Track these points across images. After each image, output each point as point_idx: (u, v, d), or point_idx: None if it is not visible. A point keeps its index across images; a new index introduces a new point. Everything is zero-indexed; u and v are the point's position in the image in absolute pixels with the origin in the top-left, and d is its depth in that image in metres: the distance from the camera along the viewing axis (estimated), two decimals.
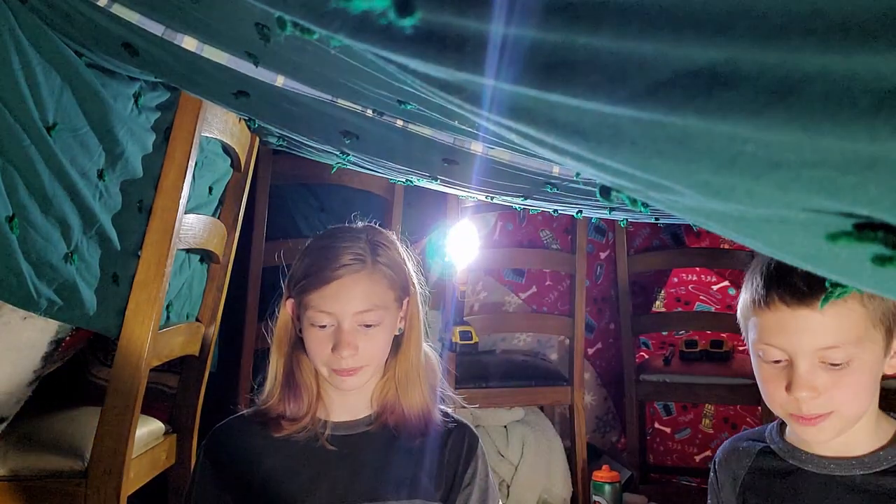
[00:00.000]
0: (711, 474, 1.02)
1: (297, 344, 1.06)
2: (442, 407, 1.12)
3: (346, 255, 1.00)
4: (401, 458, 1.05)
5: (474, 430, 1.13)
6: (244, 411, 1.09)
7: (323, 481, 1.02)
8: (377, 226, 1.10)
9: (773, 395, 0.86)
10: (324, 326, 0.99)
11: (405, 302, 1.07)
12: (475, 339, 2.50)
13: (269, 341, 1.08)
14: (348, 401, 1.06)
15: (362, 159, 1.56)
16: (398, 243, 1.09)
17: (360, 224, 1.09)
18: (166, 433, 1.61)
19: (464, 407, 1.16)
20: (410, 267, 1.08)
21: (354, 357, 0.99)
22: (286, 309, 1.06)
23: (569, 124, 0.41)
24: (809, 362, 0.81)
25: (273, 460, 1.03)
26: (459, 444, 1.09)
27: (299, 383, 1.04)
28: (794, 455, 0.92)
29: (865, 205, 0.33)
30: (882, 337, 0.82)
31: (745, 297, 0.88)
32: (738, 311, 0.91)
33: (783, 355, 0.84)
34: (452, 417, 1.12)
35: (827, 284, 0.66)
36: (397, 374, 1.07)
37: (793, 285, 0.80)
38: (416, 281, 1.08)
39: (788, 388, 0.83)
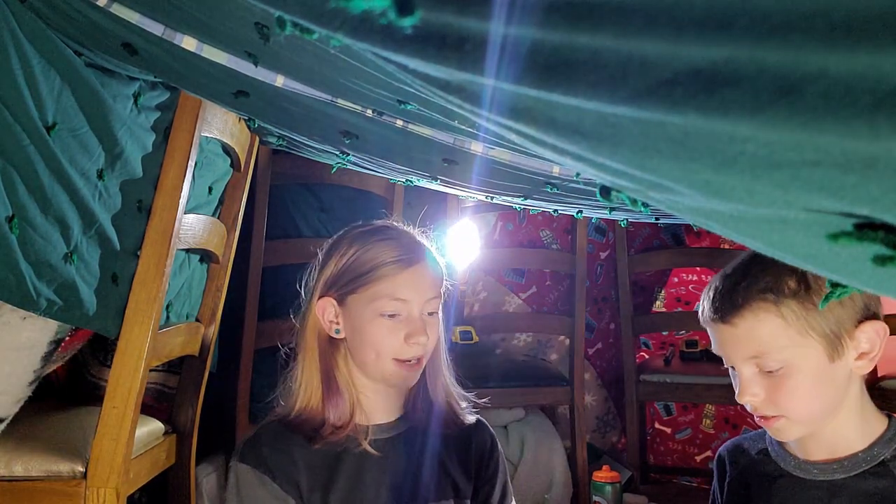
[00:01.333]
0: (714, 464, 1.07)
1: (331, 346, 1.03)
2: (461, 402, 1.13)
3: (407, 245, 1.02)
4: (436, 458, 1.05)
5: (490, 426, 1.15)
6: (269, 420, 1.05)
7: (368, 487, 1.00)
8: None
9: (737, 395, 0.92)
10: (393, 315, 0.99)
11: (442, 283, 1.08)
12: (475, 339, 2.50)
13: (296, 346, 1.05)
14: (384, 402, 1.05)
15: (362, 159, 1.56)
16: (427, 237, 1.10)
17: (383, 222, 1.09)
18: (166, 433, 1.60)
19: (467, 405, 1.16)
20: (441, 259, 1.09)
21: (425, 345, 1.01)
22: (315, 312, 1.02)
23: (569, 124, 0.41)
24: (748, 370, 0.88)
25: (315, 466, 0.99)
26: (482, 441, 1.11)
27: (340, 387, 1.02)
28: (784, 459, 0.95)
29: (866, 204, 0.33)
30: (821, 344, 0.84)
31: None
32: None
33: (730, 364, 0.91)
34: (470, 413, 1.13)
35: (828, 285, 0.67)
36: (427, 367, 1.06)
37: (713, 303, 0.89)
38: (445, 275, 1.09)
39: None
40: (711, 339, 0.93)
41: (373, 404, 1.04)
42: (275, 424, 1.03)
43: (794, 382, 0.85)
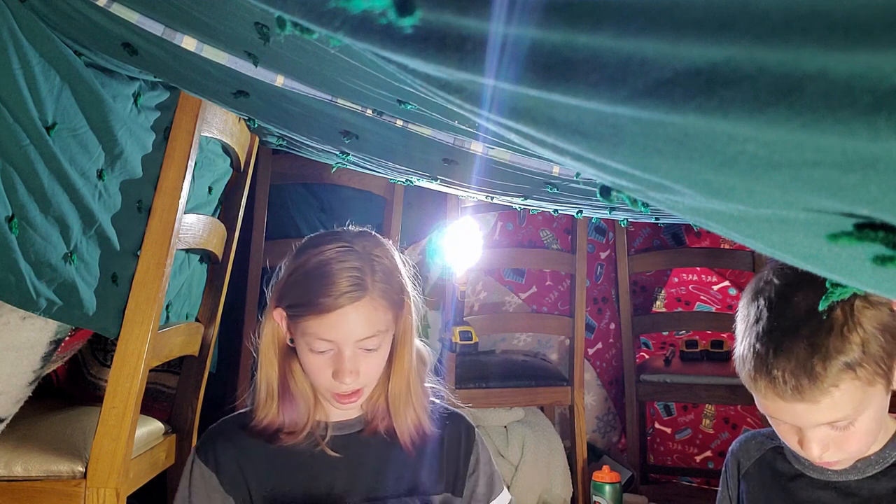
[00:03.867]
0: (726, 460, 1.07)
1: (289, 353, 1.03)
2: (434, 400, 1.11)
3: (344, 281, 0.95)
4: (398, 456, 1.05)
5: (468, 418, 1.13)
6: (239, 412, 1.08)
7: (321, 482, 1.01)
8: (370, 229, 1.07)
9: (789, 443, 0.89)
10: (323, 352, 0.97)
11: (401, 311, 1.03)
12: (475, 339, 2.50)
13: (254, 353, 1.05)
14: None
15: (362, 159, 1.56)
16: (392, 249, 1.05)
17: (351, 228, 1.05)
18: (166, 433, 1.60)
19: (462, 406, 1.16)
20: (405, 274, 1.05)
21: (356, 381, 0.98)
22: (273, 318, 1.02)
23: (569, 124, 0.41)
24: (818, 430, 0.84)
25: (270, 461, 1.02)
26: (457, 435, 1.09)
27: (295, 393, 1.02)
28: (799, 460, 0.96)
29: (866, 204, 0.33)
30: (883, 383, 0.83)
31: (740, 363, 0.87)
32: (738, 370, 0.89)
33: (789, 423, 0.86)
34: (444, 409, 1.11)
35: (828, 285, 0.66)
36: (390, 388, 1.05)
37: (784, 381, 0.80)
38: (410, 289, 1.05)
39: (800, 442, 0.86)
40: (764, 407, 0.85)
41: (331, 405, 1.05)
42: (240, 418, 1.06)
43: (864, 428, 0.84)
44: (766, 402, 0.84)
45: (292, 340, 1.02)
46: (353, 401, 1.00)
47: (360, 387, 0.99)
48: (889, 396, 0.86)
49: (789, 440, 0.88)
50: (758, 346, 0.82)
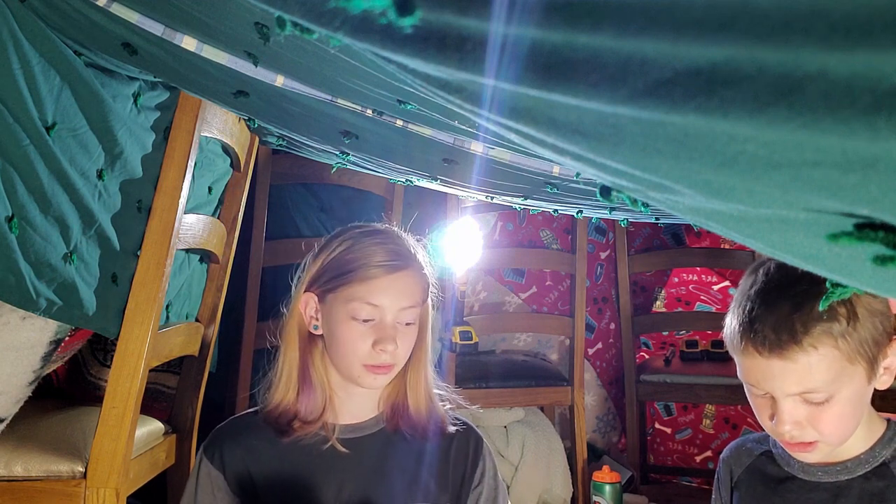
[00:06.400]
0: (718, 469, 1.07)
1: (311, 340, 1.05)
2: (448, 405, 1.12)
3: (395, 251, 1.02)
4: (407, 461, 1.04)
5: (478, 430, 1.13)
6: (248, 411, 1.08)
7: (330, 484, 1.01)
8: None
9: (763, 422, 0.90)
10: (366, 321, 0.99)
11: (426, 296, 1.08)
12: (475, 339, 2.50)
13: (279, 340, 1.07)
14: (356, 403, 1.06)
15: (362, 159, 1.56)
16: (420, 246, 1.10)
17: (381, 225, 1.10)
18: (166, 433, 1.60)
19: (463, 407, 1.16)
20: (429, 270, 1.09)
21: (394, 353, 0.99)
22: (299, 305, 1.05)
23: (569, 124, 0.41)
24: (791, 401, 0.84)
25: (278, 462, 1.02)
26: (465, 445, 1.09)
27: (314, 382, 1.03)
28: (788, 462, 0.96)
29: (866, 204, 0.33)
30: (864, 367, 0.83)
31: (727, 328, 0.90)
32: (724, 336, 0.91)
33: (765, 392, 0.87)
34: (456, 418, 1.12)
35: (828, 284, 0.67)
36: (408, 377, 1.06)
37: (763, 335, 0.82)
38: (433, 284, 1.09)
39: (772, 418, 0.86)
40: (747, 369, 0.86)
41: (344, 404, 1.05)
42: (248, 417, 1.06)
43: (838, 409, 0.83)
44: (745, 361, 0.86)
45: (316, 327, 1.04)
46: (385, 374, 1.01)
47: (393, 362, 1.01)
48: (871, 389, 0.87)
49: (763, 417, 0.88)
50: (747, 304, 0.85)
